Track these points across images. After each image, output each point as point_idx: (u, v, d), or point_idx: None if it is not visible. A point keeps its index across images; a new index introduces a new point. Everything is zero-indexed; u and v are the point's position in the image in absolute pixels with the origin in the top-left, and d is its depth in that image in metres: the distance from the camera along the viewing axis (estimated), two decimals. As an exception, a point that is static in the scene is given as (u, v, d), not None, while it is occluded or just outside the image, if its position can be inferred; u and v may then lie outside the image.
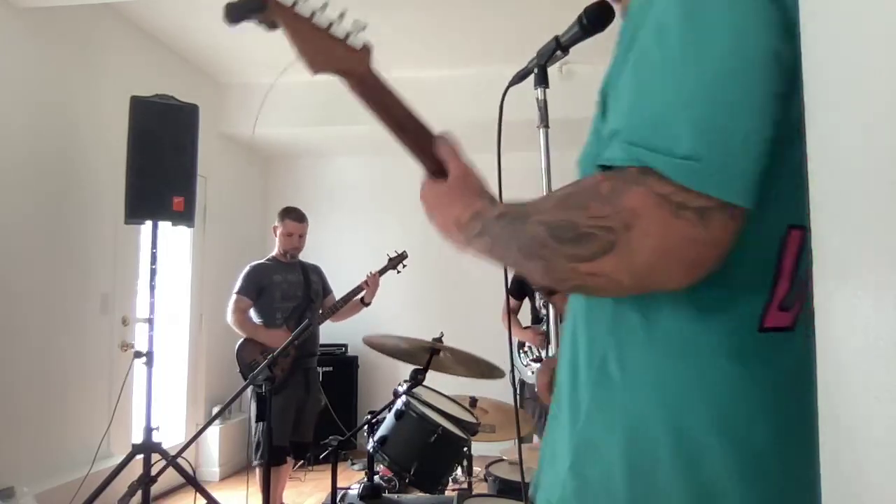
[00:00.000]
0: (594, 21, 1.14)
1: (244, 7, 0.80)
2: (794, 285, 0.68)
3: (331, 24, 0.83)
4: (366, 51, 0.86)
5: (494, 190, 0.90)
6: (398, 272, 3.72)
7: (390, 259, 3.72)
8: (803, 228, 0.65)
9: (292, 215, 3.76)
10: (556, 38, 1.20)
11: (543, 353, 3.85)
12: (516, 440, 1.40)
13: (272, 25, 0.82)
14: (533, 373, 3.91)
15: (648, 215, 0.59)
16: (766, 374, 0.67)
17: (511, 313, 3.99)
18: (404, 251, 3.76)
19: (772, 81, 0.60)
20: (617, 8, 0.93)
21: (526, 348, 3.97)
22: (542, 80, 1.26)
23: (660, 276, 0.61)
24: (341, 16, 0.84)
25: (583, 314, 0.76)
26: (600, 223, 0.61)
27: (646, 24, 0.64)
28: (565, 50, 1.21)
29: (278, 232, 3.74)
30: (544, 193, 1.19)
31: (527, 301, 4.03)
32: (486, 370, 2.55)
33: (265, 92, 4.52)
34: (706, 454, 0.65)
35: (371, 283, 3.61)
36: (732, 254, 0.62)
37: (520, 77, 1.27)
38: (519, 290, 3.98)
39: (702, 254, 0.60)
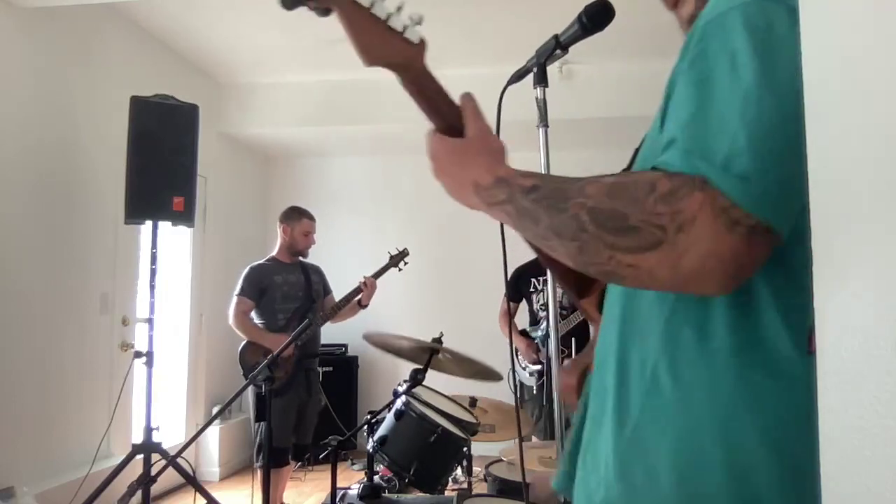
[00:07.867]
0: (594, 20, 1.13)
1: None
2: None
3: (389, 16, 0.79)
4: (422, 46, 0.83)
5: None
6: (399, 269, 3.72)
7: (392, 257, 3.72)
8: None
9: (307, 214, 3.75)
10: (556, 37, 1.19)
11: (533, 367, 3.84)
12: (518, 441, 1.40)
13: (325, 12, 0.77)
14: (531, 374, 3.90)
15: (705, 223, 0.62)
16: (812, 397, 0.69)
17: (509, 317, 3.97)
18: (405, 249, 3.77)
19: None
20: (676, 16, 0.89)
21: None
22: (541, 79, 1.26)
23: (701, 281, 0.64)
24: (399, 8, 0.80)
25: (632, 323, 0.77)
26: (653, 220, 0.63)
27: (715, 44, 0.66)
28: (565, 49, 1.20)
29: (292, 231, 3.70)
30: None
31: (524, 304, 4.02)
32: (483, 373, 2.54)
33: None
34: (755, 469, 0.67)
35: (368, 286, 3.58)
36: (781, 279, 0.67)
37: (518, 76, 1.26)
38: (516, 292, 3.97)
39: (742, 268, 0.63)
